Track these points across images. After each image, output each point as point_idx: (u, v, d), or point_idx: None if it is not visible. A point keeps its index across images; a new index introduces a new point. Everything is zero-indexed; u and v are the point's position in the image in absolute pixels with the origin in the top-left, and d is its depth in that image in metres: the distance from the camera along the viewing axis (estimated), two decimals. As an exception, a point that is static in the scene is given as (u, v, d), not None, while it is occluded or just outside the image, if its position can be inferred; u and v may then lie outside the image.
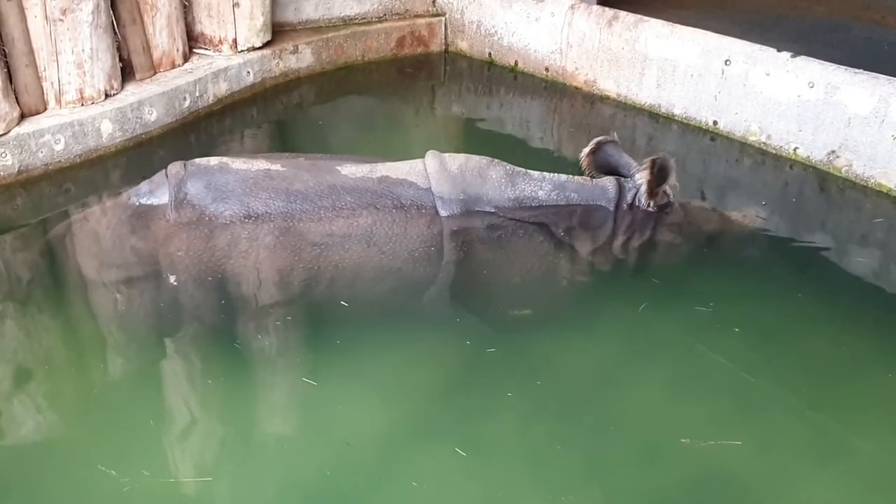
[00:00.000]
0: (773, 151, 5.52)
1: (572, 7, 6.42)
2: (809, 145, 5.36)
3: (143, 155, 5.20)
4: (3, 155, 4.66)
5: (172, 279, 3.66)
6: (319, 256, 3.68)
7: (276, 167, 3.90)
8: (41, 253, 4.19)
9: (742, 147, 5.64)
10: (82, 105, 5.07)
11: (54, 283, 3.92)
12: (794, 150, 5.43)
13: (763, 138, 5.57)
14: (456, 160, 4.07)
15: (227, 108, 5.87)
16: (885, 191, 5.05)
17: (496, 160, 4.17)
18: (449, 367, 3.55)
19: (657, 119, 6.05)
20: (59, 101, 5.00)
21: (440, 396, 3.43)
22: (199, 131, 5.59)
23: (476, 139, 5.96)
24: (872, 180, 5.09)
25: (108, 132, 5.10)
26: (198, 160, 3.94)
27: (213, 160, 3.92)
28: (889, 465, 3.20)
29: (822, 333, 3.86)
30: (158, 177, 3.90)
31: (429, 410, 3.36)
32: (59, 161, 4.91)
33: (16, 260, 4.23)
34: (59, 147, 4.89)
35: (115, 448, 3.12)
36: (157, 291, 3.68)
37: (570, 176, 4.23)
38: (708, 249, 4.27)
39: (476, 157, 4.13)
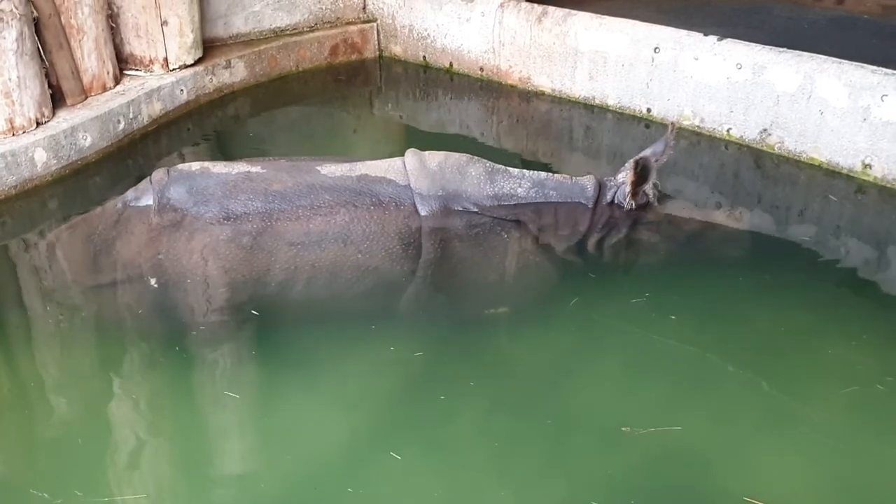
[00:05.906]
0: (708, 133, 5.65)
1: (502, 5, 6.48)
2: (742, 125, 5.50)
3: (80, 182, 5.10)
4: (-65, 191, 4.54)
5: (153, 282, 3.68)
6: (296, 256, 3.70)
7: (257, 169, 3.92)
8: (29, 261, 4.28)
9: (677, 132, 5.72)
10: (13, 135, 4.95)
11: (42, 293, 3.98)
12: (728, 130, 5.56)
13: (697, 122, 5.70)
14: (435, 157, 4.09)
15: (162, 128, 5.79)
16: (817, 164, 5.20)
17: (476, 157, 4.18)
18: (413, 368, 3.58)
19: (592, 110, 6.13)
20: (-12, 133, 4.89)
21: (390, 401, 3.46)
22: (135, 153, 5.50)
23: (416, 142, 5.93)
24: (805, 155, 5.25)
25: (42, 161, 4.99)
26: (180, 166, 3.97)
27: (195, 165, 3.96)
28: (837, 431, 3.29)
29: (759, 311, 3.93)
30: (143, 183, 3.93)
31: (375, 414, 3.39)
32: (-6, 193, 4.80)
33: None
34: (-7, 179, 4.78)
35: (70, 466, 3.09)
36: (136, 296, 3.71)
37: (550, 174, 4.27)
38: (687, 249, 4.29)
39: (456, 155, 4.14)
